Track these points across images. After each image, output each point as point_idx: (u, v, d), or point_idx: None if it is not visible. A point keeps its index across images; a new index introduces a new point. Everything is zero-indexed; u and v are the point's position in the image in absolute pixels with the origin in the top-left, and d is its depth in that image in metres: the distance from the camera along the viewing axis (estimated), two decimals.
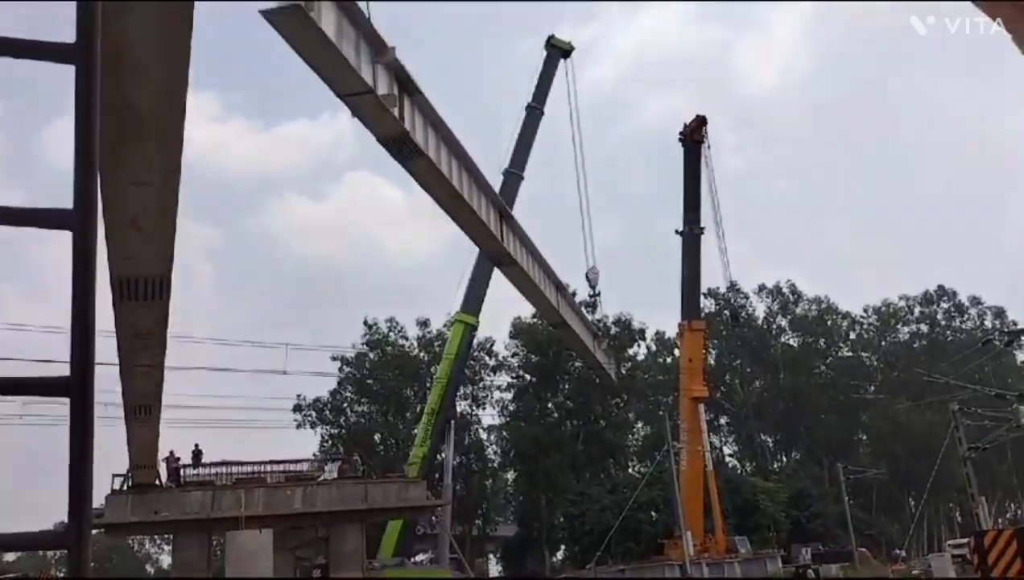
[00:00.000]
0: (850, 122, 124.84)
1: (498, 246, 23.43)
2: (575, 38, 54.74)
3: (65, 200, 1.49)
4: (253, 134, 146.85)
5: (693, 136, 51.04)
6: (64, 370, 1.43)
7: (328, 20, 13.22)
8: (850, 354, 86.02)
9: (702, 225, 51.54)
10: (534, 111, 47.45)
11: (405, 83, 15.98)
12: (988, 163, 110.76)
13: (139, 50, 9.07)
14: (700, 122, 51.31)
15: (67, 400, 1.40)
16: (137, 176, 10.90)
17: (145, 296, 14.19)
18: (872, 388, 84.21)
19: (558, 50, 48.70)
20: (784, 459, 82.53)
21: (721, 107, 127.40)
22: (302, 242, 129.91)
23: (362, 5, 14.23)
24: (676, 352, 65.99)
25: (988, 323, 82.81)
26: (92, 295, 1.43)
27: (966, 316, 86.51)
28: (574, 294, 43.84)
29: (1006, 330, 60.91)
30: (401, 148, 16.20)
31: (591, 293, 46.06)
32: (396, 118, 15.39)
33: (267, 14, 12.12)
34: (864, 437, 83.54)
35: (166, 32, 9.05)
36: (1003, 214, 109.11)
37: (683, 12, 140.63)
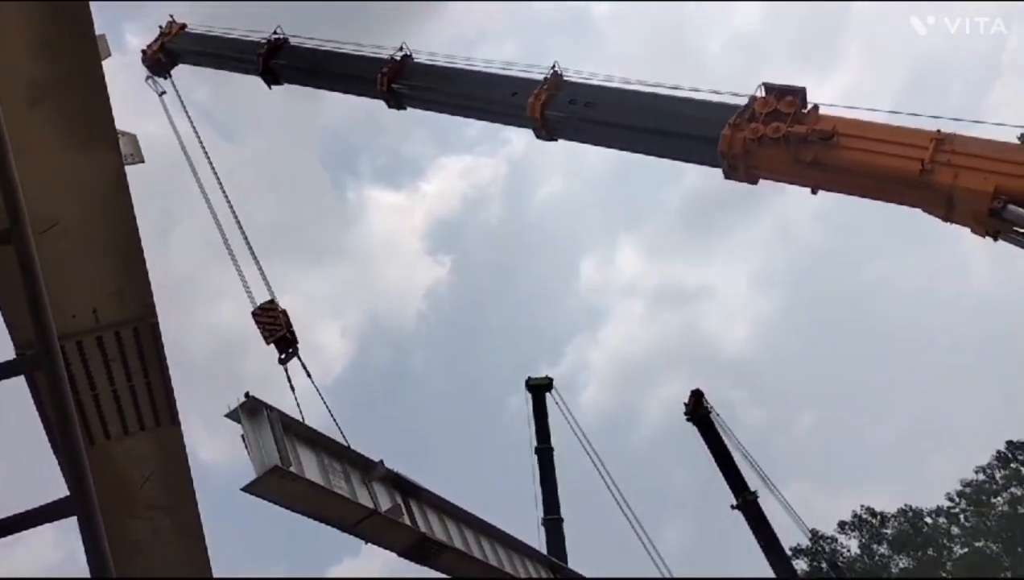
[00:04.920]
0: (842, 334, 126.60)
1: None
2: (551, 373, 56.03)
3: None
4: None
5: (697, 411, 50.91)
6: None
7: (310, 465, 12.82)
8: (965, 550, 79.14)
9: (753, 490, 49.58)
10: (544, 451, 47.00)
11: (405, 486, 15.60)
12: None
13: None
14: (697, 397, 51.40)
15: None
16: None
17: None
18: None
19: (539, 388, 49.61)
20: None
21: (715, 371, 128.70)
22: None
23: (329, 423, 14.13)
24: None
25: None
26: None
27: None
28: None
29: None
30: (425, 551, 15.37)
31: None
32: (409, 525, 14.76)
33: (251, 489, 11.65)
34: None
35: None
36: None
37: (638, 314, 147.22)
